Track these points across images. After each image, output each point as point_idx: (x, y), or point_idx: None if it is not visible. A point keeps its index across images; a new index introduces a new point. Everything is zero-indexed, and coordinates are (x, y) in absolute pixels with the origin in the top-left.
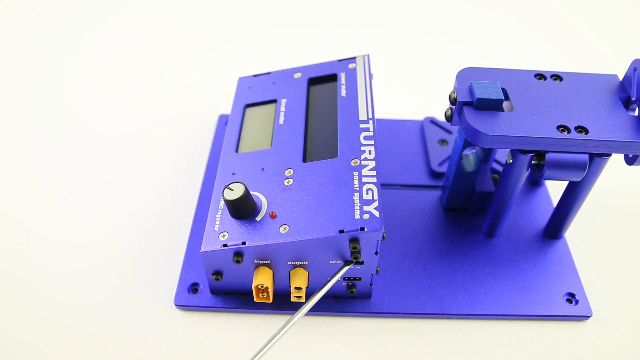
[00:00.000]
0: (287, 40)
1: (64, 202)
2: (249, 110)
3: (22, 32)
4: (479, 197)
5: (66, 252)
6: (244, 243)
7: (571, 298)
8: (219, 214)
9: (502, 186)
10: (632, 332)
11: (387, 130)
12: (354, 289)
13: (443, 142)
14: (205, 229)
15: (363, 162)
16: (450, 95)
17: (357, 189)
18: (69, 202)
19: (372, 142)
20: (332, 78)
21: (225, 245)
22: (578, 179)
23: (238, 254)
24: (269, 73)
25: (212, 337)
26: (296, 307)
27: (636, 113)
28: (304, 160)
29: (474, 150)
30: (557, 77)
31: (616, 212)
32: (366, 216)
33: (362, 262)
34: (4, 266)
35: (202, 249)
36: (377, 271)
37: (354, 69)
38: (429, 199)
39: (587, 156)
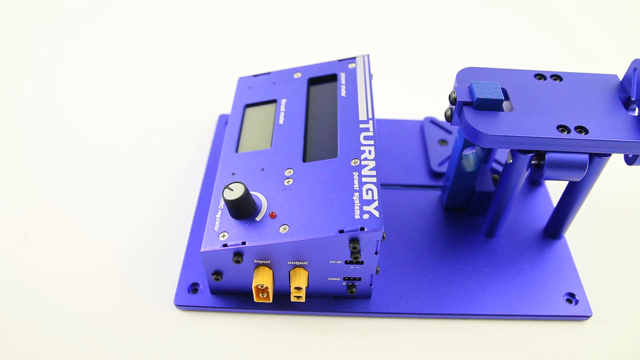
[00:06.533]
0: (287, 40)
1: (64, 203)
2: (249, 110)
3: (18, 33)
4: (479, 197)
5: (66, 253)
6: (244, 243)
7: (571, 298)
8: (219, 214)
9: (502, 186)
10: (632, 332)
11: (387, 130)
12: (354, 289)
13: (443, 142)
14: (205, 229)
15: (363, 162)
16: (450, 95)
17: (357, 189)
18: (69, 202)
19: (372, 142)
20: (332, 78)
21: (225, 245)
22: (578, 179)
23: (238, 254)
24: (269, 73)
25: (212, 337)
26: (296, 307)
27: (636, 113)
28: (304, 160)
29: (474, 150)
30: (557, 77)
31: (616, 212)
32: (366, 216)
33: (362, 262)
34: (4, 266)
35: (202, 249)
36: (377, 271)
37: (354, 69)
38: (429, 199)
39: (587, 156)
